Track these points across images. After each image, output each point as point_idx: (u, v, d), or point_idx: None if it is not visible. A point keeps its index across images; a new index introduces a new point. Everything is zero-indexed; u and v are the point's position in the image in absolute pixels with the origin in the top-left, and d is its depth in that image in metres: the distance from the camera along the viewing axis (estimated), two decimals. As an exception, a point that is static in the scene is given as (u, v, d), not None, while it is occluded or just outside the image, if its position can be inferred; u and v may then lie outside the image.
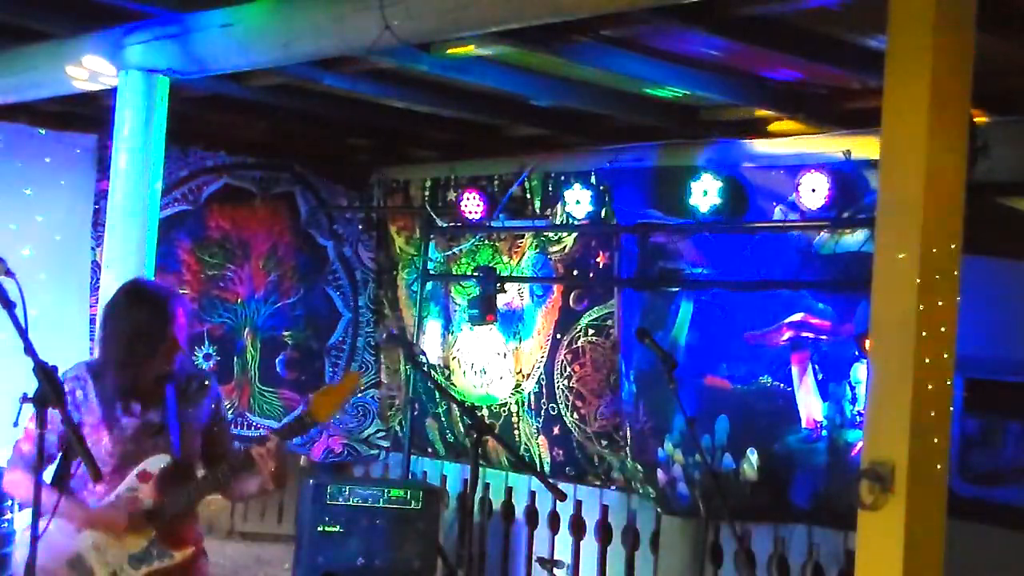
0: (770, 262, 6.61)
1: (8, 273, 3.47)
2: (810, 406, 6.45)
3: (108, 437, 4.09)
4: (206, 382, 4.37)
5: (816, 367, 6.42)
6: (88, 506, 4.09)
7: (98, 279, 6.51)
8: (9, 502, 6.51)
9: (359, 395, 8.94)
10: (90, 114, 7.35)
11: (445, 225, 8.26)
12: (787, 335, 6.54)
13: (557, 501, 7.57)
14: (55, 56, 5.83)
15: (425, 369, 7.46)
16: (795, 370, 6.52)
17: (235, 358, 8.47)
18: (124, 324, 4.12)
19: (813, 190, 6.21)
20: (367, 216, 8.97)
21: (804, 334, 6.48)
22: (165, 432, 4.19)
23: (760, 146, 6.66)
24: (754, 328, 6.66)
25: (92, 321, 7.45)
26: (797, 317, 6.51)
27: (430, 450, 8.58)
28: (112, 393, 4.12)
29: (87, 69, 5.59)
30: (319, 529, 6.81)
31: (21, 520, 6.42)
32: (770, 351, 6.59)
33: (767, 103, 6.04)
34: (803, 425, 6.48)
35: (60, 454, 4.10)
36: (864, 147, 6.07)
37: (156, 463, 4.15)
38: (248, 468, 4.12)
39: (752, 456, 6.63)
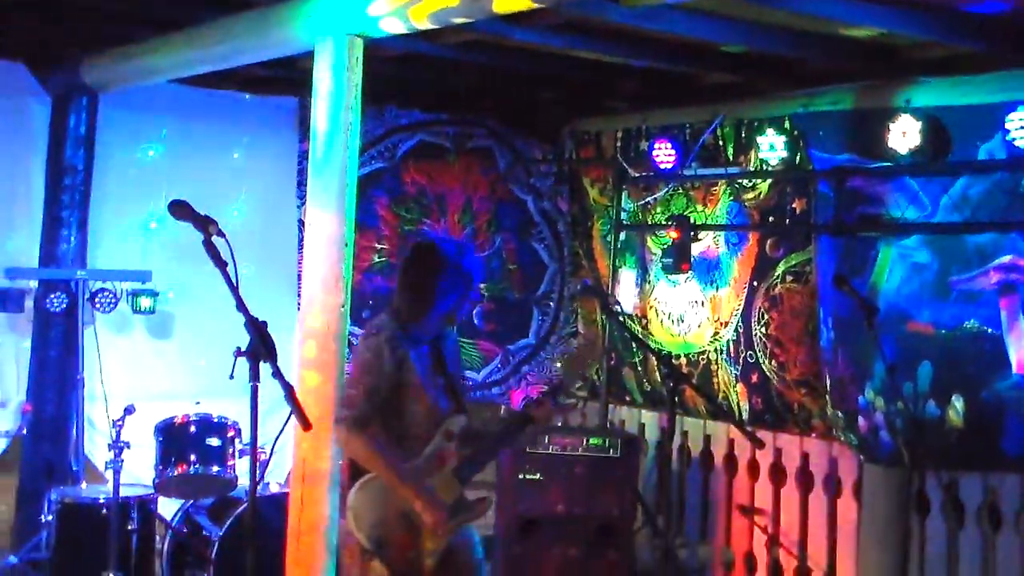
0: (975, 204, 6.39)
1: (220, 234, 3.64)
2: (1020, 351, 6.23)
3: (426, 396, 4.19)
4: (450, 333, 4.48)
5: (1026, 311, 6.21)
6: (419, 480, 4.15)
7: (303, 236, 6.73)
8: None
9: (560, 346, 9.08)
10: (292, 77, 7.56)
11: (638, 175, 8.24)
12: (995, 278, 6.33)
13: (756, 449, 7.52)
14: (258, 23, 6.04)
15: (620, 319, 7.47)
16: (1004, 314, 6.30)
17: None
18: (412, 277, 4.30)
19: (1021, 127, 5.98)
20: (559, 168, 9.02)
21: (1013, 276, 6.26)
22: (453, 391, 4.29)
23: (963, 84, 6.42)
24: (960, 273, 6.47)
25: (299, 277, 7.68)
26: (1006, 259, 6.29)
27: (628, 399, 8.63)
28: (424, 352, 4.22)
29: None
30: (519, 476, 6.91)
31: (242, 466, 6.68)
32: (977, 295, 6.39)
33: (969, 38, 5.81)
34: (1013, 371, 6.28)
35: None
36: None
37: (456, 423, 4.24)
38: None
39: (958, 403, 6.46)
